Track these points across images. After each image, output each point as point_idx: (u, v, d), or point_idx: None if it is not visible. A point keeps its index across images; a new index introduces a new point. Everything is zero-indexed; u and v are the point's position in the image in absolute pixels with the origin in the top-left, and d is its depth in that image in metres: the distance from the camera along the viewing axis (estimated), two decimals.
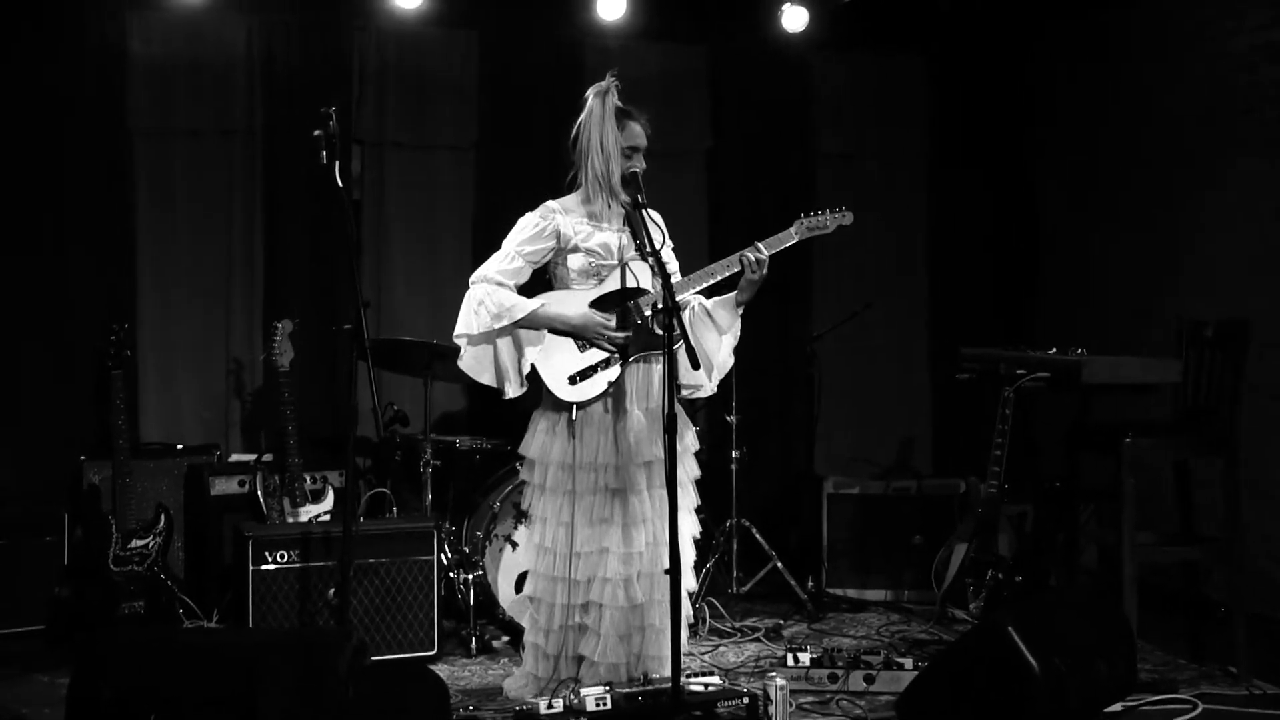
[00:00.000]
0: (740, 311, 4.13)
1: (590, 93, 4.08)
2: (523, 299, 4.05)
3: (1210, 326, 4.70)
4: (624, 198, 4.06)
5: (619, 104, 4.06)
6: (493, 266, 4.09)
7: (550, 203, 4.14)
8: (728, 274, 4.05)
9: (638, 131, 4.08)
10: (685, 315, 4.03)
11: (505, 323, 4.01)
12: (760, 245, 4.01)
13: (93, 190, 5.69)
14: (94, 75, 5.68)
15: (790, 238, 4.08)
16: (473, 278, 4.11)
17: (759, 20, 6.38)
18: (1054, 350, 4.87)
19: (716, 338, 4.14)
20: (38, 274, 5.61)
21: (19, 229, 5.59)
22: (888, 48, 6.78)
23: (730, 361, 4.21)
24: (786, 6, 6.27)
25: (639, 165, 4.06)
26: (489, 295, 4.03)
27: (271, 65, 5.92)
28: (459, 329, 4.08)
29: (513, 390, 4.13)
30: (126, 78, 5.76)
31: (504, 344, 4.10)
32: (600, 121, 4.03)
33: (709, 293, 4.17)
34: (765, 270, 3.99)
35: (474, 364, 4.13)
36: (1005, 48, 6.82)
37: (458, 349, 4.13)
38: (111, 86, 5.72)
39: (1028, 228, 6.90)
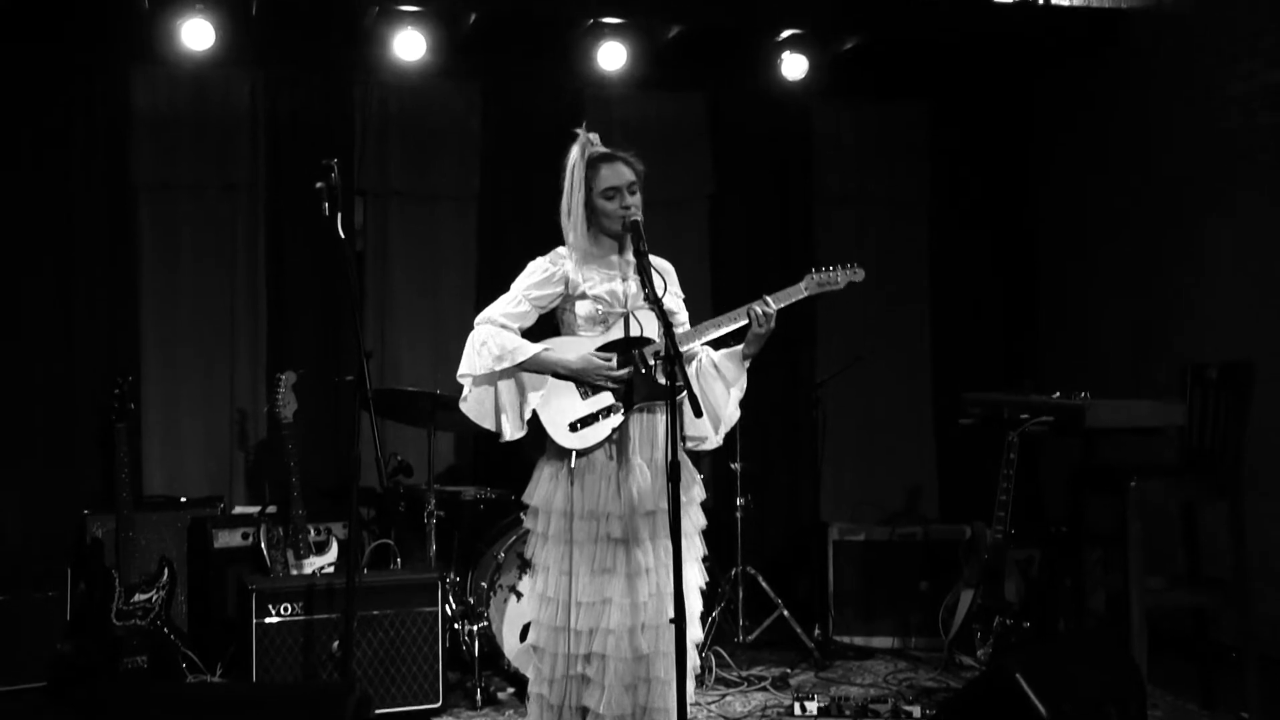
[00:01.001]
0: (747, 365, 4.09)
1: (573, 148, 4.06)
2: (526, 342, 4.01)
3: (1214, 368, 4.68)
4: (622, 243, 4.04)
5: (595, 150, 4.02)
6: (498, 309, 4.07)
7: (561, 249, 4.11)
8: (734, 327, 3.96)
9: (618, 170, 3.98)
10: (692, 367, 4.01)
11: (507, 364, 3.97)
12: (769, 299, 3.93)
13: (97, 243, 5.73)
14: (98, 130, 5.73)
15: (800, 292, 3.98)
16: (478, 318, 4.06)
17: (759, 68, 6.40)
18: (1057, 394, 4.85)
19: (724, 390, 4.09)
20: (41, 326, 5.64)
21: (23, 281, 5.63)
22: (888, 94, 6.83)
23: (736, 415, 4.14)
24: (786, 55, 6.29)
25: (634, 206, 3.96)
26: (492, 337, 4.00)
27: (275, 119, 5.97)
28: (462, 369, 4.04)
29: (511, 432, 4.06)
30: (130, 132, 5.81)
31: (505, 386, 4.05)
32: (574, 174, 4.03)
33: (716, 345, 4.13)
34: (773, 324, 3.92)
35: (476, 407, 4.08)
36: (1006, 91, 6.88)
37: (460, 393, 4.10)
38: (116, 141, 5.78)
39: (1029, 269, 6.93)
